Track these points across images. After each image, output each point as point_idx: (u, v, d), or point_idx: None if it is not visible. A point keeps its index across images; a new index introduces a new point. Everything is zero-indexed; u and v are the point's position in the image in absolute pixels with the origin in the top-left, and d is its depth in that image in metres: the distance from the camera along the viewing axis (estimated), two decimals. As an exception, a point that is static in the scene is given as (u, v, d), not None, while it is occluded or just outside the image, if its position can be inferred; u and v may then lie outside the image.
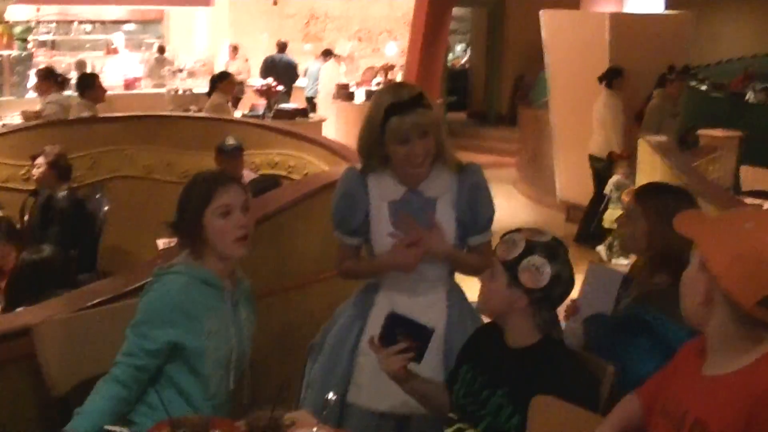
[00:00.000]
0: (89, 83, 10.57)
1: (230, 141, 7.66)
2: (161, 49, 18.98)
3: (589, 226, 10.55)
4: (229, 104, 11.60)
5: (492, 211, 3.88)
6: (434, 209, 3.79)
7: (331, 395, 3.21)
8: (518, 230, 3.16)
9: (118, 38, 18.47)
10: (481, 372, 3.24)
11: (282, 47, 18.14)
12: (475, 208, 3.82)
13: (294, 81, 17.77)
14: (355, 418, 3.80)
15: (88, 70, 16.69)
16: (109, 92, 15.33)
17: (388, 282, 3.90)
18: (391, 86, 3.88)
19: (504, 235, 3.18)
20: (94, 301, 4.25)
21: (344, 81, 17.14)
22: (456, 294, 3.99)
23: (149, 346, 3.42)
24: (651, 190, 3.90)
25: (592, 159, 10.94)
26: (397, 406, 3.68)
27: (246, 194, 3.57)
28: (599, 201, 10.36)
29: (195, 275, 3.51)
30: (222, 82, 11.35)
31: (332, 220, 3.94)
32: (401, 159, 3.66)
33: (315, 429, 3.05)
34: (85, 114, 9.93)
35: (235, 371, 3.64)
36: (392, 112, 3.58)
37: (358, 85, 17.41)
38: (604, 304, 3.74)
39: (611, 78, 10.85)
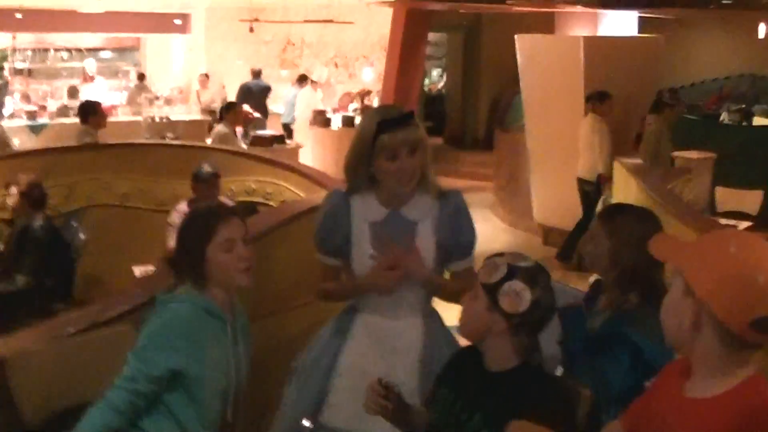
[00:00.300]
0: (91, 110, 10.71)
1: (206, 168, 7.65)
2: (141, 77, 18.98)
3: (574, 244, 10.58)
4: (236, 135, 11.67)
5: (473, 236, 3.93)
6: (415, 232, 3.83)
7: (305, 422, 3.19)
8: (501, 254, 3.16)
9: (90, 65, 18.39)
10: (460, 395, 3.23)
11: (257, 74, 18.17)
12: (457, 232, 3.88)
13: (266, 105, 17.84)
14: None
15: (64, 97, 16.71)
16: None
17: (367, 304, 3.91)
18: (381, 107, 4.04)
19: (487, 258, 3.18)
20: (69, 332, 4.23)
21: (321, 107, 17.16)
22: (433, 319, 4.01)
23: (152, 372, 3.38)
24: (614, 210, 3.99)
25: (581, 182, 10.97)
26: (371, 428, 3.61)
27: (245, 225, 3.59)
28: (587, 222, 10.39)
29: (199, 305, 3.50)
30: (229, 112, 11.49)
31: (315, 240, 3.97)
32: (389, 176, 3.71)
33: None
34: (87, 140, 10.03)
35: (232, 404, 3.63)
36: (383, 129, 3.65)
37: (335, 111, 17.43)
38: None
39: (597, 101, 10.90)
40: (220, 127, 11.20)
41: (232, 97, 17.40)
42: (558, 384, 3.26)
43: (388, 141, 3.64)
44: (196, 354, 3.44)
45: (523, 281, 3.04)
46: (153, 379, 3.39)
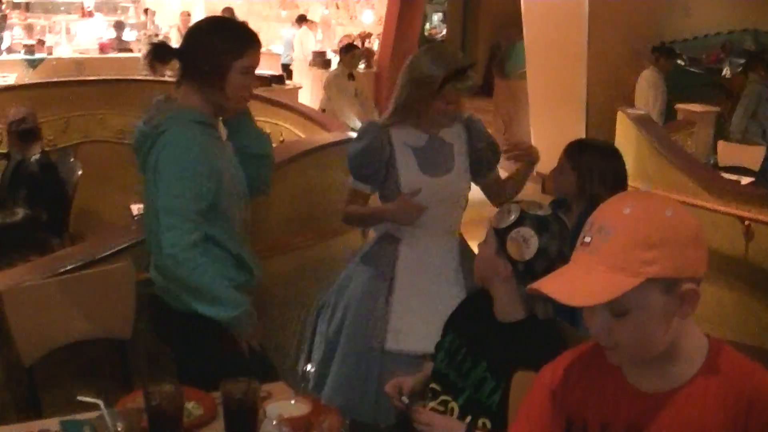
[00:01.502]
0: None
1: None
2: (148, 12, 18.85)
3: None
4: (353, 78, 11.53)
5: (497, 152, 4.34)
6: (453, 152, 4.16)
7: (309, 367, 3.16)
8: (517, 201, 3.13)
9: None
10: (466, 342, 3.20)
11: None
12: (486, 150, 4.26)
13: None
14: (396, 363, 3.94)
15: (62, 32, 16.55)
16: (82, 56, 15.30)
17: (405, 232, 4.14)
18: (444, 52, 4.07)
19: (504, 203, 3.17)
20: (66, 268, 4.18)
21: (315, 48, 17.02)
22: (462, 240, 4.33)
23: (199, 204, 3.47)
24: (579, 146, 4.42)
25: None
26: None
27: None
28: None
29: (195, 118, 3.58)
30: (347, 54, 11.48)
31: (350, 165, 4.18)
32: (443, 114, 4.01)
33: (293, 401, 3.01)
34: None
35: (244, 198, 3.78)
36: (451, 78, 3.88)
37: (335, 52, 17.30)
38: None
39: (664, 55, 10.98)
40: (335, 70, 11.18)
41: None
42: (570, 340, 3.22)
43: (454, 90, 3.91)
44: (213, 167, 3.53)
45: (532, 228, 3.03)
46: (202, 212, 3.47)
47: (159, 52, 3.66)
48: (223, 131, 3.82)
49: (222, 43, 3.58)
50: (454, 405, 3.14)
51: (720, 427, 2.12)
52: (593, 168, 4.22)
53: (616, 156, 4.38)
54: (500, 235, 3.06)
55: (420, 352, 3.86)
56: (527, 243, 3.01)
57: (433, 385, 3.25)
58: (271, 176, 4.07)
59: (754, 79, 11.50)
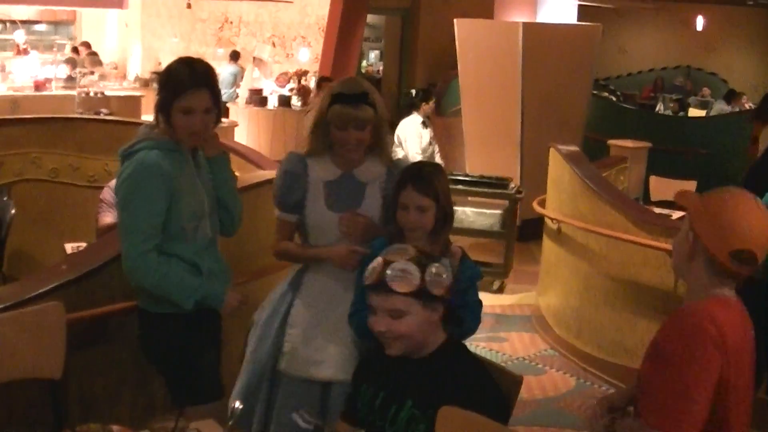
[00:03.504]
0: None
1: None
2: (87, 45, 18.70)
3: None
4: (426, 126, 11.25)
5: None
6: (364, 192, 4.21)
7: (237, 404, 3.17)
8: (386, 263, 3.14)
9: (19, 37, 18.10)
10: (382, 387, 3.22)
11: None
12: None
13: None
14: (285, 385, 4.16)
15: (-5, 70, 16.40)
16: (17, 93, 15.15)
17: (318, 265, 4.23)
18: (346, 80, 4.24)
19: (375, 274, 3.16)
20: (-5, 307, 4.16)
21: (257, 86, 17.03)
22: None
23: (152, 220, 3.83)
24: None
25: None
26: (323, 372, 4.10)
27: (211, 100, 3.97)
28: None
29: (161, 146, 3.90)
30: (425, 100, 11.25)
31: (274, 197, 4.27)
32: (336, 142, 4.10)
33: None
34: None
35: (210, 219, 4.13)
36: (337, 101, 4.03)
37: (274, 90, 17.31)
38: None
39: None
40: (413, 117, 11.01)
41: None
42: (482, 361, 3.32)
43: (338, 112, 4.02)
44: (170, 189, 3.85)
45: (435, 264, 3.19)
46: (155, 226, 3.84)
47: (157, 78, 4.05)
48: (201, 158, 4.16)
49: (166, 83, 3.93)
50: None
51: None
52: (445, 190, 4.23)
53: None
54: (420, 292, 3.11)
55: (312, 378, 4.10)
56: (443, 276, 3.16)
57: None
58: (236, 224, 4.42)
59: None
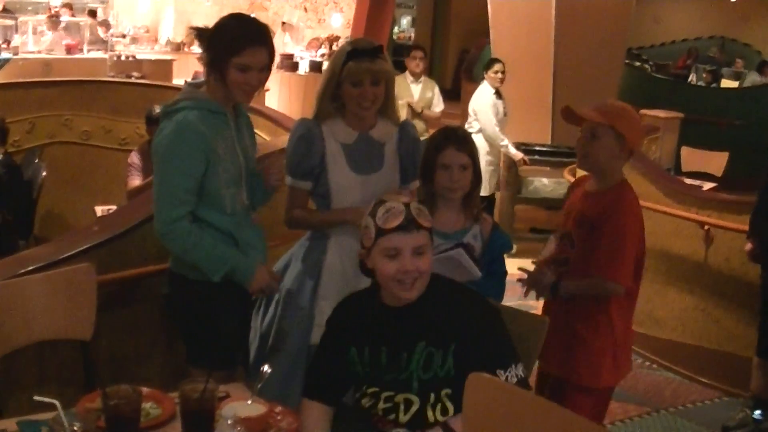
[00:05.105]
0: None
1: (157, 110, 7.40)
2: (92, 14, 18.63)
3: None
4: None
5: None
6: (383, 151, 4.22)
7: (266, 368, 3.18)
8: (405, 204, 3.15)
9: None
10: (382, 342, 3.23)
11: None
12: (414, 157, 4.29)
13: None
14: None
15: (30, 33, 16.43)
16: (48, 56, 15.18)
17: (336, 230, 4.19)
18: (355, 39, 4.27)
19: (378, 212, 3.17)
20: (29, 268, 4.18)
21: (288, 51, 17.03)
22: None
23: (187, 183, 3.73)
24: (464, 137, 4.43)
25: None
26: None
27: (270, 59, 3.86)
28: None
29: (202, 106, 3.80)
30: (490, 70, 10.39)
31: (287, 164, 4.21)
32: (352, 100, 4.06)
33: (249, 401, 3.03)
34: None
35: (246, 186, 4.00)
36: (351, 57, 4.01)
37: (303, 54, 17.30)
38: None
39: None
40: (484, 88, 10.30)
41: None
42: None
43: (354, 68, 4.00)
44: (207, 151, 3.74)
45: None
46: (189, 190, 3.74)
47: (198, 35, 3.90)
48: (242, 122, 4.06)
49: (222, 40, 3.78)
50: (400, 398, 3.19)
51: None
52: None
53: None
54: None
55: None
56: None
57: (370, 390, 3.27)
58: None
59: None
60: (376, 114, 4.19)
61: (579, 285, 4.05)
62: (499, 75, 10.11)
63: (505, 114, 10.34)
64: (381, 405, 3.22)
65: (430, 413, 3.18)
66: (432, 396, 3.16)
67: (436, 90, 10.06)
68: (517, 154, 9.92)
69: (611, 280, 3.97)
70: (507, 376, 3.09)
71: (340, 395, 3.35)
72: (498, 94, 10.24)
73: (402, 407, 3.20)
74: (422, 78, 10.05)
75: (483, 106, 10.15)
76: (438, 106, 10.02)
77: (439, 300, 3.18)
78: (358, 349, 3.26)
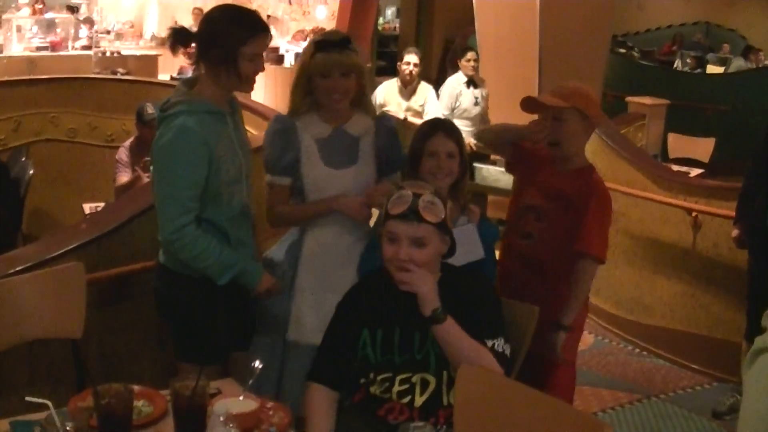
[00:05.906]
0: None
1: (149, 109, 7.35)
2: (72, 9, 18.51)
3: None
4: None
5: (404, 156, 4.27)
6: (358, 146, 4.21)
7: (257, 363, 3.18)
8: (415, 194, 3.23)
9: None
10: (395, 324, 3.26)
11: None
12: (390, 151, 4.30)
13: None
14: (298, 354, 4.07)
15: (14, 29, 16.37)
16: (33, 54, 15.13)
17: (313, 223, 4.20)
18: (323, 32, 4.24)
19: (395, 197, 3.26)
20: (18, 268, 4.18)
21: (274, 44, 16.98)
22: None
23: (191, 190, 3.71)
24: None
25: None
26: None
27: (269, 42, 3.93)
28: None
29: (200, 109, 3.76)
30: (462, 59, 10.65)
31: (265, 162, 4.21)
32: (323, 93, 4.07)
33: (241, 397, 3.04)
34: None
35: (246, 181, 4.00)
36: (319, 49, 4.02)
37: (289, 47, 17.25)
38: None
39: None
40: (456, 76, 10.45)
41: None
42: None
43: (322, 60, 4.00)
44: (209, 156, 3.72)
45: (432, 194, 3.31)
46: (193, 197, 3.71)
47: (179, 36, 3.84)
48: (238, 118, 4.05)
49: (230, 31, 3.75)
50: (416, 378, 3.26)
51: None
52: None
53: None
54: (441, 224, 3.24)
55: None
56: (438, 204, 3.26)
57: (382, 377, 3.29)
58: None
59: None
60: (351, 107, 4.20)
61: (573, 307, 4.22)
62: (472, 63, 10.23)
63: (476, 103, 10.44)
64: (396, 388, 3.27)
65: (444, 395, 3.25)
66: (445, 374, 3.23)
67: (430, 95, 9.98)
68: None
69: (595, 255, 4.20)
70: (494, 344, 3.18)
71: (346, 381, 3.38)
72: (473, 83, 10.36)
73: (418, 388, 3.26)
74: (414, 84, 10.07)
75: (442, 91, 10.26)
76: (431, 113, 9.82)
77: (450, 281, 3.28)
78: (371, 331, 3.31)
